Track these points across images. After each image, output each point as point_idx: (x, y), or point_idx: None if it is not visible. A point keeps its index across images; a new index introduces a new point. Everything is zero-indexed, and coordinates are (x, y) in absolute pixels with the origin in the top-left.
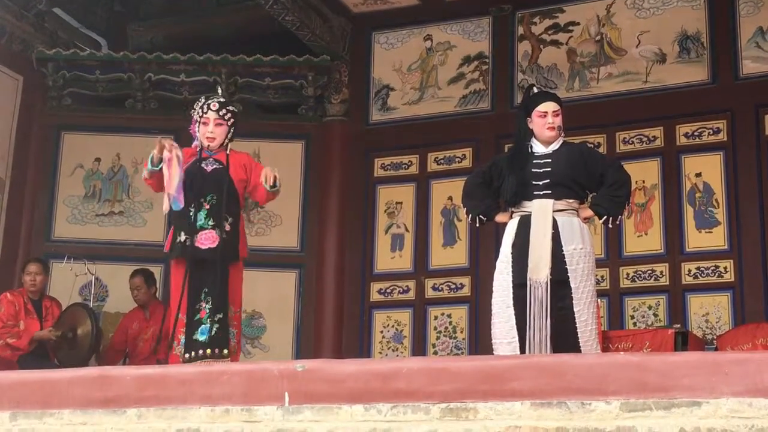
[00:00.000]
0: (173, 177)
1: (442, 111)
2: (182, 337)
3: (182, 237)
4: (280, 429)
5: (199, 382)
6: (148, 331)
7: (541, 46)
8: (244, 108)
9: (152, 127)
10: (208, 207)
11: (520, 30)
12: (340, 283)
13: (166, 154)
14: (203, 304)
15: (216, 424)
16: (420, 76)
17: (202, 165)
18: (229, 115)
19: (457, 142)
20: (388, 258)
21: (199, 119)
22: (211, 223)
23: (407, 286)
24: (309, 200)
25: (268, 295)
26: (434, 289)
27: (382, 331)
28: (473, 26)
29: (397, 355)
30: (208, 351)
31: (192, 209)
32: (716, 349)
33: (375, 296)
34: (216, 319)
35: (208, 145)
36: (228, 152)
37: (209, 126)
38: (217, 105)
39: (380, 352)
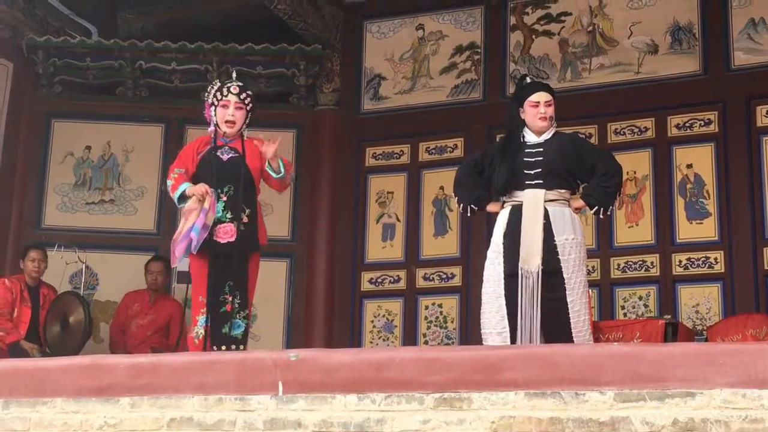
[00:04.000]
0: (185, 226)
1: (433, 101)
2: (199, 318)
3: None
4: (274, 418)
5: (192, 370)
6: (146, 317)
7: (533, 37)
8: None
9: (143, 114)
10: (225, 199)
11: (513, 20)
12: (330, 273)
13: (192, 201)
14: (228, 297)
15: (209, 413)
16: (412, 65)
17: (218, 153)
18: (248, 99)
19: (448, 131)
20: (379, 248)
21: (216, 102)
22: (229, 215)
23: (398, 275)
24: (300, 189)
25: (259, 284)
26: (425, 278)
27: (372, 321)
28: (465, 16)
29: (388, 345)
30: (242, 347)
31: None
32: (706, 340)
33: (366, 286)
34: (245, 314)
35: (225, 132)
36: (244, 139)
37: (229, 109)
38: (238, 88)
39: (371, 342)
